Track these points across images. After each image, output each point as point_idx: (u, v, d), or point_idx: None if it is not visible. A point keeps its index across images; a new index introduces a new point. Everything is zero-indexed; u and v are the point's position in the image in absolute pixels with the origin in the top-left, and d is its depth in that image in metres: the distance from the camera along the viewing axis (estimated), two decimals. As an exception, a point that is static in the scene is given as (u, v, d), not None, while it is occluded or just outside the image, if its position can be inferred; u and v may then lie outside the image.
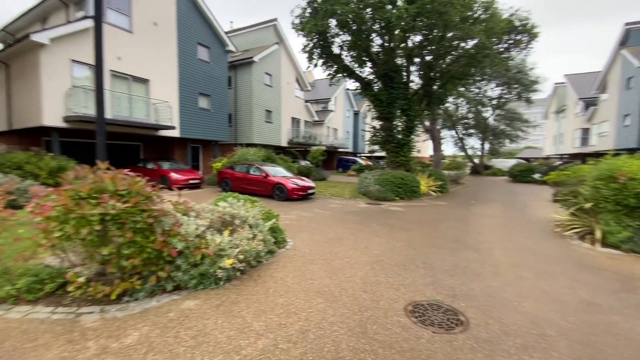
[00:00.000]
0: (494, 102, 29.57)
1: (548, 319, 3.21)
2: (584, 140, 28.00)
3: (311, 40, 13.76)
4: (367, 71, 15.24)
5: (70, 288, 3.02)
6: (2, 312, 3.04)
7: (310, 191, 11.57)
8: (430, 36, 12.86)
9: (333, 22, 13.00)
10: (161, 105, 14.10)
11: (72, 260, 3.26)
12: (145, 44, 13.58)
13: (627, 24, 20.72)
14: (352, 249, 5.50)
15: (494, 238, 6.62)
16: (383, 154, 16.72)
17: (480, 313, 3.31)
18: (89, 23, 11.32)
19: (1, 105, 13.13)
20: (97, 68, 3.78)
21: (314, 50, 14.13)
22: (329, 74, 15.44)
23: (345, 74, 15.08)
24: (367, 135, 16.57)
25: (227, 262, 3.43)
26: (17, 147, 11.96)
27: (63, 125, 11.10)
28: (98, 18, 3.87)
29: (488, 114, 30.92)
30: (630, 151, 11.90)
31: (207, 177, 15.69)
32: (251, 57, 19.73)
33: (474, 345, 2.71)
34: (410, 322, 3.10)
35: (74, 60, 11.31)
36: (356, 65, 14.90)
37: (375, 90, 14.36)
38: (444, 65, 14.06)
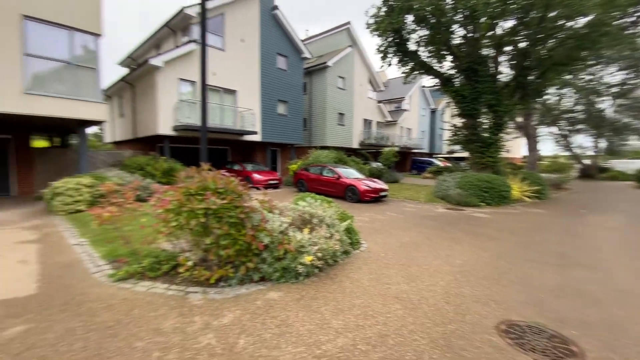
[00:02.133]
0: (615, 90, 24.05)
1: None
2: None
3: (386, 39, 13.49)
4: (447, 66, 14.17)
5: (181, 270, 3.58)
6: (131, 285, 3.75)
7: (382, 193, 11.31)
8: (526, 19, 11.24)
9: (409, 18, 12.50)
10: (246, 112, 15.64)
11: (182, 246, 3.86)
12: (233, 59, 15.27)
13: None
14: (431, 256, 5.16)
15: (617, 257, 5.39)
16: (465, 154, 15.27)
17: (600, 345, 2.73)
18: (193, 46, 13.30)
19: (129, 119, 16.43)
20: (202, 86, 4.38)
21: (389, 49, 13.80)
22: (403, 72, 14.89)
23: (422, 71, 14.33)
24: (446, 135, 15.36)
25: (307, 259, 3.60)
26: (139, 152, 14.77)
27: (172, 133, 13.27)
28: (203, 43, 4.48)
29: (605, 104, 25.35)
30: None
31: (284, 178, 16.76)
32: (325, 62, 20.35)
33: (594, 384, 2.25)
34: (504, 343, 2.75)
35: (180, 79, 13.43)
36: (434, 60, 13.99)
37: (457, 85, 13.23)
38: (544, 51, 12.09)
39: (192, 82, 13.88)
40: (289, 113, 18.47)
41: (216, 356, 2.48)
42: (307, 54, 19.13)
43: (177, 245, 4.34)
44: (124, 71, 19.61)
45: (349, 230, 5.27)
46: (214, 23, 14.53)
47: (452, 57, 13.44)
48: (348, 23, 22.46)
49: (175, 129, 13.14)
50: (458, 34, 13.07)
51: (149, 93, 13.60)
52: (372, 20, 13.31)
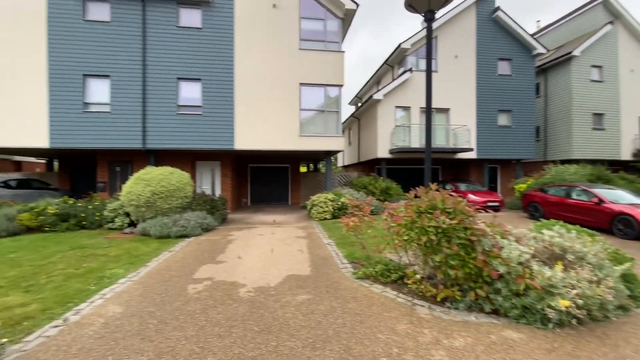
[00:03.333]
0: None
1: None
2: None
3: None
4: None
5: (408, 281, 3.91)
6: (368, 285, 4.48)
7: (700, 231, 7.05)
8: None
9: None
10: (459, 129, 14.88)
11: (407, 259, 4.22)
12: (446, 78, 15.09)
13: None
14: None
15: None
16: None
17: None
18: (407, 75, 14.51)
19: (354, 146, 19.99)
20: (427, 112, 4.70)
21: None
22: None
23: None
24: None
25: (561, 303, 2.89)
26: (361, 173, 17.55)
27: (388, 156, 14.84)
28: (429, 71, 4.83)
29: None
30: None
31: (507, 199, 14.27)
32: (569, 53, 15.85)
33: None
34: None
35: (396, 106, 14.90)
36: None
37: None
38: None
39: (406, 108, 15.01)
40: (514, 123, 15.70)
41: (451, 375, 2.50)
42: (540, 49, 15.71)
43: (402, 258, 4.79)
44: (352, 109, 24.32)
45: (628, 278, 3.72)
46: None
47: None
48: (609, -9, 16.45)
49: (391, 151, 14.59)
50: None
51: (370, 123, 16.05)
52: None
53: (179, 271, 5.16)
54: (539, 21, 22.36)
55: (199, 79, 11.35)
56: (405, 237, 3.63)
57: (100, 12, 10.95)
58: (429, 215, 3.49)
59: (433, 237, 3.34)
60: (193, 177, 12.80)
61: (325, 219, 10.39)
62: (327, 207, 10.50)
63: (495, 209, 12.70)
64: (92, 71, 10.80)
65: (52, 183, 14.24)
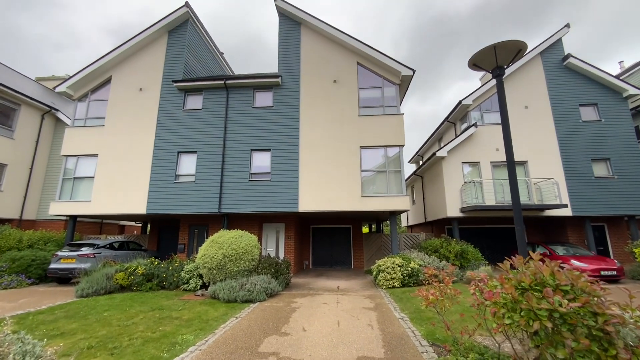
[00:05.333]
0: None
1: None
2: None
3: None
4: None
5: (517, 381, 3.04)
6: (459, 378, 3.63)
7: None
8: None
9: None
10: (544, 183, 13.13)
11: (514, 348, 3.36)
12: (517, 129, 13.99)
13: None
14: None
15: None
16: None
17: None
18: (472, 130, 13.93)
19: (419, 205, 18.92)
20: (509, 165, 4.25)
21: None
22: None
23: None
24: None
25: None
26: (430, 234, 16.15)
27: (459, 215, 13.56)
28: (505, 126, 4.49)
29: None
30: None
31: (626, 267, 11.34)
32: (674, 90, 13.62)
33: None
34: None
35: (463, 162, 14.08)
36: None
37: None
38: None
39: (474, 163, 14.08)
40: (616, 173, 13.32)
41: None
42: (631, 91, 13.90)
43: (502, 345, 3.87)
44: (413, 166, 23.81)
45: None
46: (490, 102, 14.68)
47: None
48: None
49: (463, 210, 13.35)
50: None
51: (435, 181, 15.28)
52: None
53: (244, 342, 4.96)
54: (622, 61, 20.32)
55: (269, 149, 12.57)
56: (507, 321, 2.93)
57: (195, 102, 13.48)
58: (536, 293, 2.81)
59: (548, 324, 2.62)
60: (260, 238, 13.29)
61: (394, 286, 9.44)
62: (395, 273, 9.61)
63: (613, 280, 10.07)
64: (184, 149, 12.86)
65: (143, 244, 16.22)
